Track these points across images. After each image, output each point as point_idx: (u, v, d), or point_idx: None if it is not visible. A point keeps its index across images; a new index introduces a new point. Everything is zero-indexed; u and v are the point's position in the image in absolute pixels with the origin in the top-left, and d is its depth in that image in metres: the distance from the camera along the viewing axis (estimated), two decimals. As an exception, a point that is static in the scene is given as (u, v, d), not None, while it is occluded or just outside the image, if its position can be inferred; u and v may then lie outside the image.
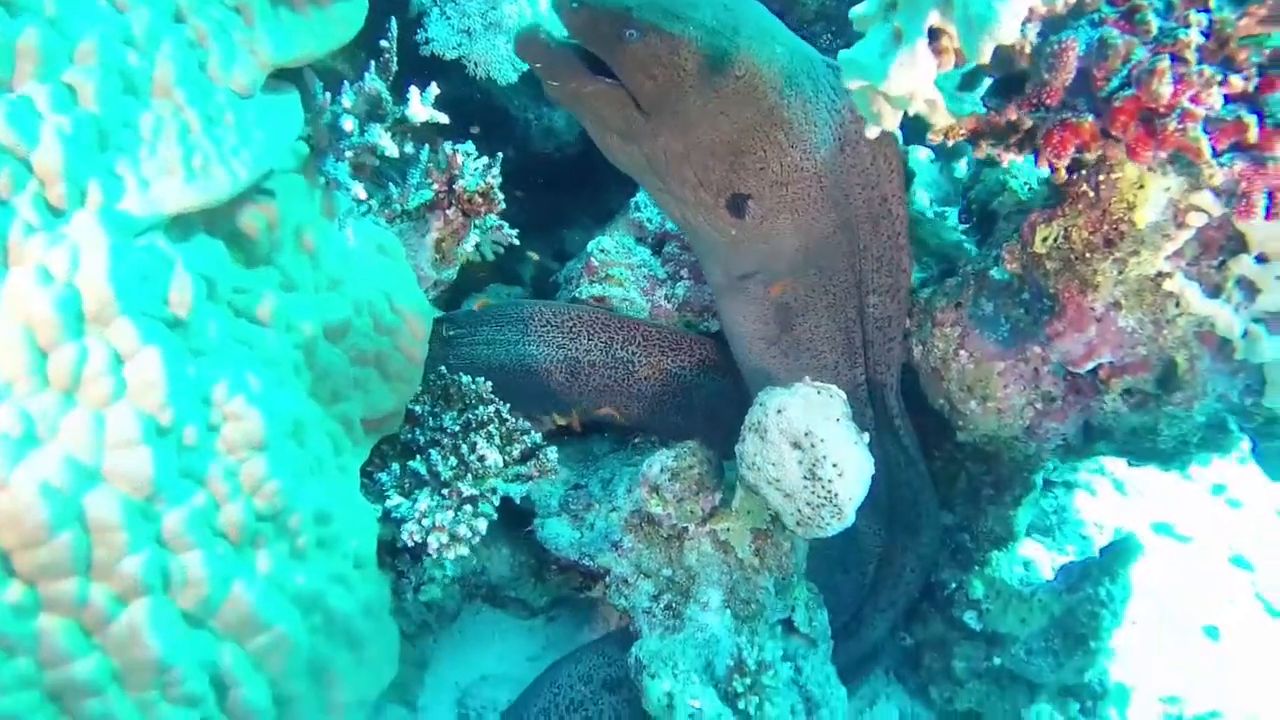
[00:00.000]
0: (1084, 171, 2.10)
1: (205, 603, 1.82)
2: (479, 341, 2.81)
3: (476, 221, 2.57)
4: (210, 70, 1.89)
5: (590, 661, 2.79)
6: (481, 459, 2.40)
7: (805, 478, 2.42)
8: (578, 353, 2.83)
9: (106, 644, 1.74)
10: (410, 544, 2.27)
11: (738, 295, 2.73)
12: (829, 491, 2.42)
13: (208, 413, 1.80)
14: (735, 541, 2.73)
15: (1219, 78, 1.55)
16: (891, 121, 1.70)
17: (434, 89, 2.35)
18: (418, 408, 2.43)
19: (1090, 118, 1.58)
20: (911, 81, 1.53)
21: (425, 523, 2.25)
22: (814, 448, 2.39)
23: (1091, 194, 2.09)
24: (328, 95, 2.16)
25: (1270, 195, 1.66)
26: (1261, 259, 2.12)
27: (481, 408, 2.50)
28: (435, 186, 2.42)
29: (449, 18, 2.52)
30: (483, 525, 2.33)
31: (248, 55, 1.94)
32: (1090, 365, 2.31)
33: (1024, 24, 1.55)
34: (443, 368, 2.55)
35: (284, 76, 2.10)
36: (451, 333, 2.80)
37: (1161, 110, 1.56)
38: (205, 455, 1.80)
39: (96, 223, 1.69)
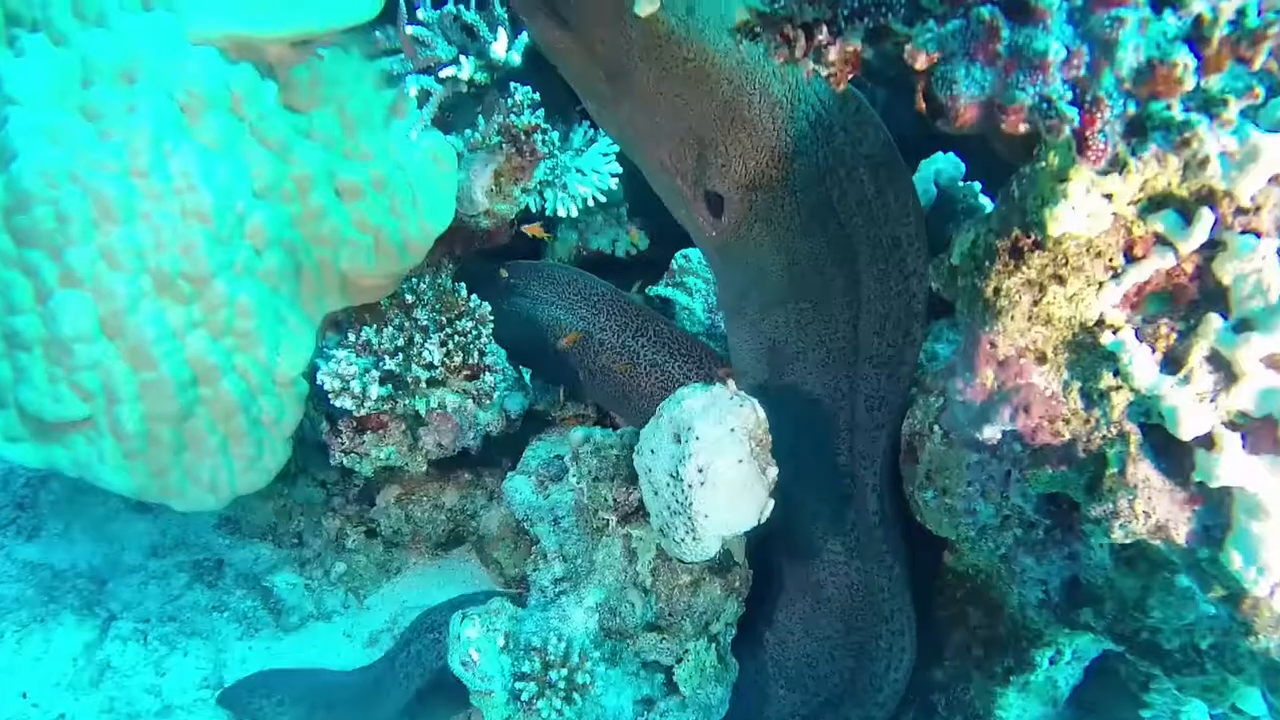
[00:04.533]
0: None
1: (115, 315, 2.28)
2: (527, 295, 2.99)
3: (544, 166, 2.80)
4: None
5: (472, 601, 2.74)
6: (421, 354, 2.58)
7: (670, 475, 2.18)
8: (593, 328, 2.86)
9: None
10: (319, 383, 2.52)
11: (738, 319, 2.55)
12: (685, 498, 2.15)
13: (170, 178, 2.29)
14: (641, 553, 2.49)
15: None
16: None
17: (524, 38, 2.70)
18: (411, 297, 2.70)
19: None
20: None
21: (332, 366, 2.50)
22: (688, 443, 2.15)
23: (1013, 186, 1.65)
24: (414, 11, 2.62)
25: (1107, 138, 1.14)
26: (1242, 326, 1.48)
27: (465, 321, 2.68)
28: (500, 120, 2.73)
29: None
30: (374, 392, 2.49)
31: (339, -49, 2.48)
32: (992, 431, 1.74)
33: None
34: (462, 285, 2.77)
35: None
36: (513, 281, 3.03)
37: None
38: (161, 202, 2.29)
39: (164, 19, 2.32)
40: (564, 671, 2.24)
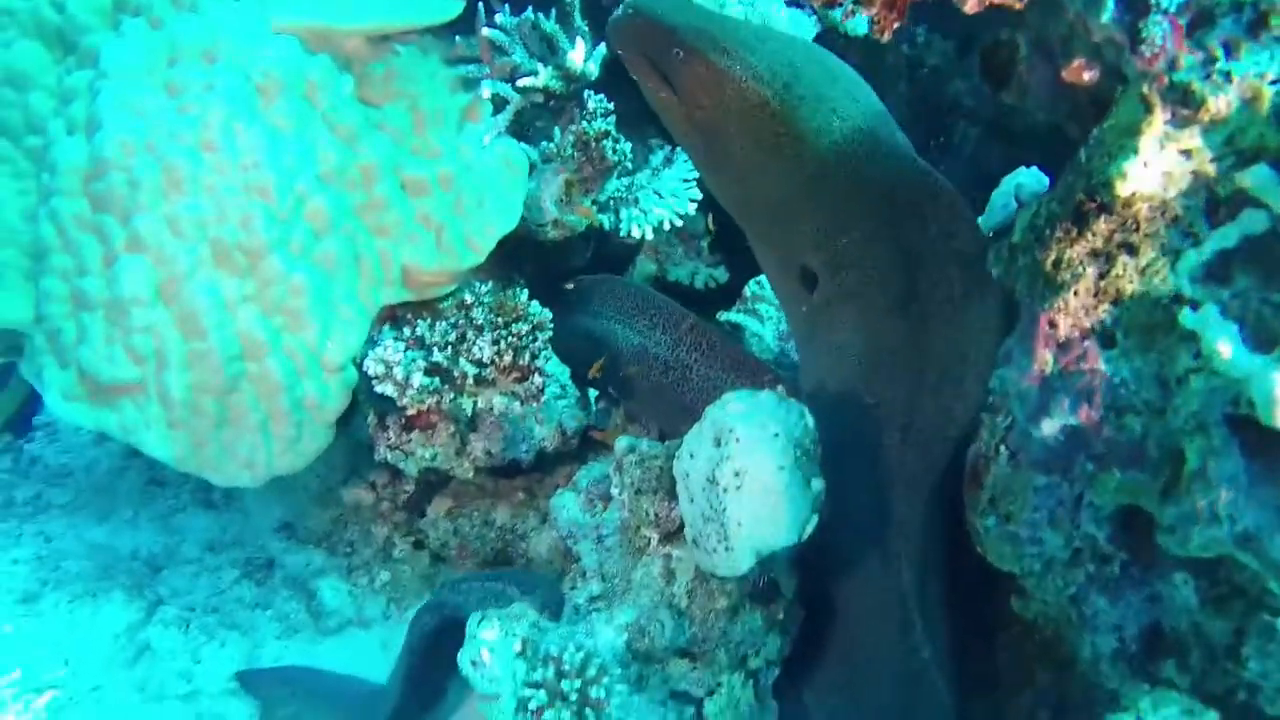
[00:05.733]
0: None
1: (174, 281, 2.33)
2: (588, 310, 2.93)
3: (619, 183, 2.75)
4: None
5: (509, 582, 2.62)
6: (471, 350, 2.52)
7: (707, 480, 2.02)
8: (648, 343, 2.76)
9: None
10: (365, 370, 2.48)
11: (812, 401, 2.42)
12: (719, 504, 1.99)
13: (238, 154, 2.35)
14: (680, 572, 2.32)
15: None
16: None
17: (603, 49, 2.69)
18: (470, 297, 2.65)
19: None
20: None
21: (378, 352, 2.46)
22: (727, 445, 2.00)
23: (1080, 153, 1.46)
24: (493, 16, 2.65)
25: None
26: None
27: (522, 325, 2.62)
28: (575, 129, 2.70)
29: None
30: (417, 380, 2.44)
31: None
32: (1051, 426, 1.52)
33: None
34: (524, 290, 2.72)
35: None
36: (577, 295, 2.96)
37: None
38: (225, 176, 2.34)
39: (250, 6, 2.42)
40: (577, 683, 2.07)
